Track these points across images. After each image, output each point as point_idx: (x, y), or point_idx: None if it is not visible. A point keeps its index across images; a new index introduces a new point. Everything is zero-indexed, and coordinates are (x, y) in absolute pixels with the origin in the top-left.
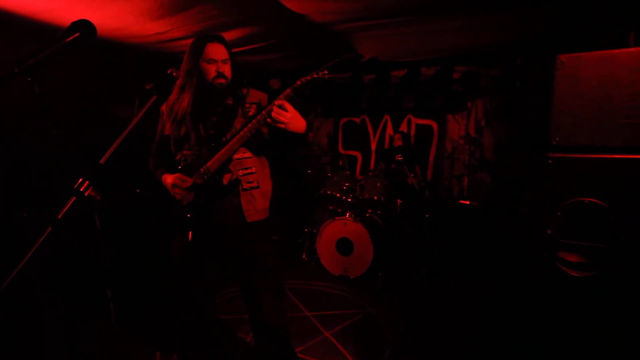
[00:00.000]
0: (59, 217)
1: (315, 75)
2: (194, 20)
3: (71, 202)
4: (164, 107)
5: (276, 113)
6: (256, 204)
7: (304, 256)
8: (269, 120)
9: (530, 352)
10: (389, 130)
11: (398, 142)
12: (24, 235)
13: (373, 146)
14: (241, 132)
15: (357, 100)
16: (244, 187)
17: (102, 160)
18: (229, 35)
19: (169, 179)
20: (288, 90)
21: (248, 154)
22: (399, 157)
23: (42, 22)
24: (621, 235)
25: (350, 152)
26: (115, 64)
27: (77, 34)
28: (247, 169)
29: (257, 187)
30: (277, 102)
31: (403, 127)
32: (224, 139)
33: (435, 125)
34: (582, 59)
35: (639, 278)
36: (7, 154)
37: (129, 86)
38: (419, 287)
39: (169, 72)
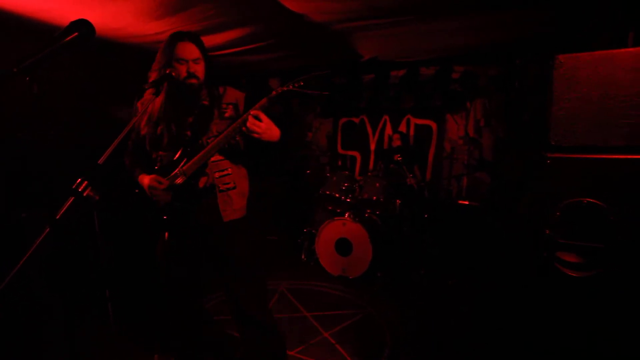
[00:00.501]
0: (58, 217)
1: (290, 87)
2: (193, 20)
3: (69, 202)
4: (139, 104)
5: (251, 123)
6: (233, 204)
7: (303, 256)
8: (243, 129)
9: (529, 352)
10: (388, 130)
11: (397, 142)
12: (23, 235)
13: (372, 146)
14: (216, 140)
15: (356, 100)
16: (221, 188)
17: (100, 161)
18: (228, 35)
19: (145, 179)
20: (264, 100)
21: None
22: (398, 157)
23: (41, 22)
24: (620, 235)
25: (349, 152)
26: (115, 63)
27: (76, 34)
28: (222, 170)
29: (234, 188)
30: (252, 112)
31: (402, 127)
32: (200, 141)
33: (434, 125)
34: (581, 59)
35: (638, 278)
36: (6, 154)
37: (128, 86)
38: (418, 287)
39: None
